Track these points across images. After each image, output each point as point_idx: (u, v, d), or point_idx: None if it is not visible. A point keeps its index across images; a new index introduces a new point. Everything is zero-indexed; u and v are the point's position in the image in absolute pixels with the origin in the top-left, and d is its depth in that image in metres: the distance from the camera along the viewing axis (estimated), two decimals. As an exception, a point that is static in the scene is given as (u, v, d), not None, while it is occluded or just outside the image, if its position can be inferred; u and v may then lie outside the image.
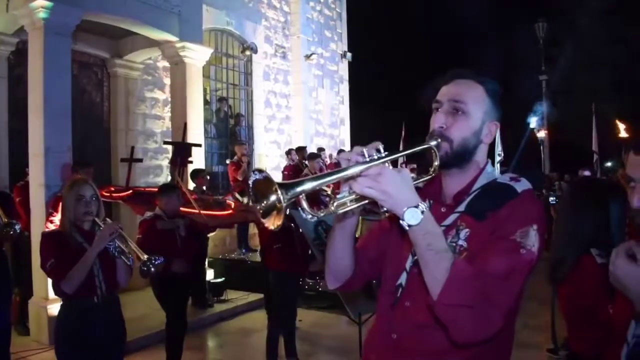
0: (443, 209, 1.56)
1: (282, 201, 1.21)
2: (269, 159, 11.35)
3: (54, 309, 5.34)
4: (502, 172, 1.61)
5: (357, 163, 1.34)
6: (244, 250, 8.82)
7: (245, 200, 7.75)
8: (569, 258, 2.16)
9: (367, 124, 16.03)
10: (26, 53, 6.03)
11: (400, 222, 1.30)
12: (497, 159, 11.15)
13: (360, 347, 4.35)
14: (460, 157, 1.53)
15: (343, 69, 14.35)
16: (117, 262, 2.98)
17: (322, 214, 1.36)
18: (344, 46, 14.42)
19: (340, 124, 14.11)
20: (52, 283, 2.91)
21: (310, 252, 4.76)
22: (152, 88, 8.94)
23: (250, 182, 1.28)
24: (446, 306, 1.27)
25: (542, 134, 19.20)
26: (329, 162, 10.69)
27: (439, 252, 1.29)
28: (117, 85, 8.43)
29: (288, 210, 1.23)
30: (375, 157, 1.34)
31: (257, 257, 8.32)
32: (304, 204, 1.32)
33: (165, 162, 8.86)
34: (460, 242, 1.46)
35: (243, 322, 6.76)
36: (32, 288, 5.66)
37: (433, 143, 1.49)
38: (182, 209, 4.83)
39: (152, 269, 2.89)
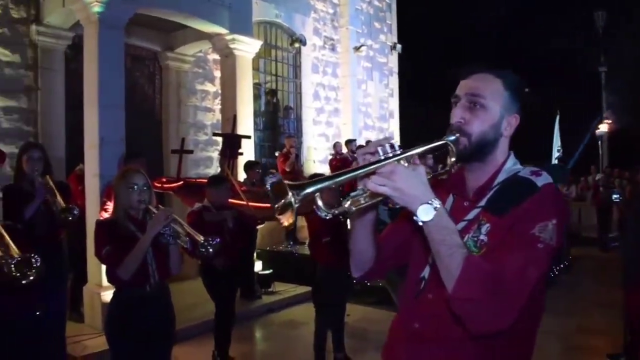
0: (466, 204, 1.58)
1: (295, 202, 1.29)
2: (317, 151, 11.32)
3: (108, 295, 5.43)
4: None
5: (371, 162, 1.37)
6: (291, 243, 8.83)
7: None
8: None
9: (416, 116, 15.78)
10: (81, 47, 6.16)
11: (414, 218, 1.34)
12: (556, 154, 10.79)
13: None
14: (479, 151, 1.54)
15: (392, 61, 14.15)
16: (170, 250, 2.98)
17: (336, 211, 1.39)
18: (393, 38, 14.21)
19: (390, 116, 13.93)
20: (106, 270, 2.94)
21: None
22: (203, 81, 9.04)
23: (267, 185, 1.35)
24: (459, 300, 1.31)
25: (603, 128, 18.43)
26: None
27: (452, 247, 1.32)
28: (168, 78, 8.57)
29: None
30: (390, 155, 1.38)
31: (304, 250, 8.32)
32: (319, 202, 1.36)
33: (215, 154, 8.96)
34: (482, 237, 1.47)
35: (290, 314, 6.76)
36: (86, 275, 5.80)
37: (451, 138, 1.50)
38: (230, 200, 4.83)
39: (211, 250, 2.88)
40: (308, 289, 7.05)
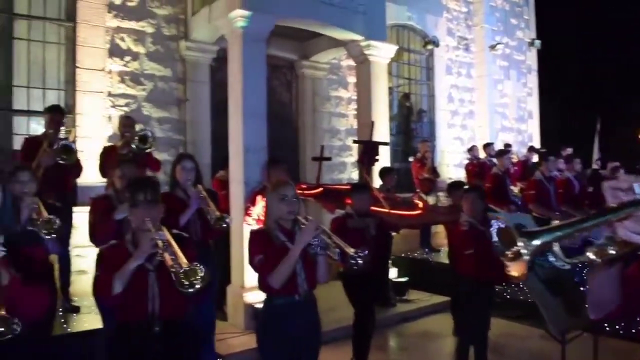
0: None
1: (526, 252, 1.14)
2: (451, 155, 11.00)
3: (250, 296, 5.70)
4: None
5: (624, 203, 1.11)
6: (426, 250, 8.63)
7: (430, 199, 7.58)
8: None
9: (558, 117, 14.75)
10: (225, 60, 6.49)
11: None
12: None
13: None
14: None
15: (531, 58, 13.37)
16: (319, 260, 3.00)
17: (575, 260, 1.20)
18: (531, 33, 13.42)
19: (528, 117, 13.16)
20: (259, 278, 3.02)
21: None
22: (337, 87, 9.16)
23: (493, 229, 1.20)
24: None
25: None
26: (516, 159, 10.01)
27: None
28: (304, 86, 8.79)
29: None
30: None
31: (440, 258, 8.09)
32: (556, 249, 1.18)
33: (349, 160, 9.03)
34: None
35: (427, 324, 6.56)
36: (229, 275, 6.07)
37: None
38: (371, 207, 4.80)
39: (360, 262, 2.85)
40: (444, 298, 6.85)
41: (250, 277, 5.67)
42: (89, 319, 5.00)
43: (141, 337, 2.64)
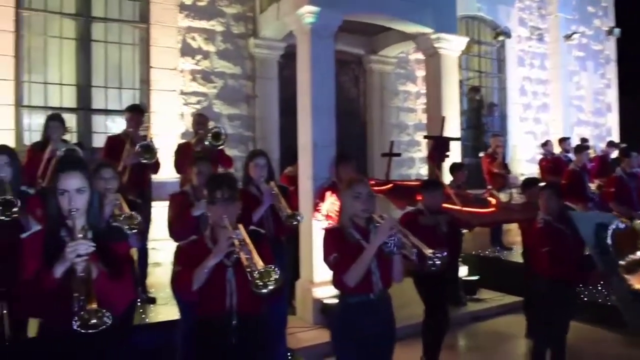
0: None
1: None
2: (524, 150, 10.62)
3: (319, 292, 5.73)
4: None
5: None
6: (497, 248, 8.38)
7: (502, 196, 7.34)
8: None
9: (639, 110, 13.93)
10: (293, 56, 6.51)
11: None
12: None
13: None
14: None
15: (609, 48, 12.69)
16: (394, 259, 2.97)
17: None
18: (610, 22, 12.74)
19: (607, 110, 12.52)
20: (333, 276, 3.02)
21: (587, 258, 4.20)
22: (405, 81, 9.04)
23: (609, 231, 1.11)
24: None
25: None
26: (593, 154, 9.55)
27: None
28: (372, 80, 8.73)
29: None
30: None
31: (512, 256, 7.84)
32: None
33: (417, 155, 8.91)
34: None
35: (498, 325, 6.37)
36: (299, 270, 6.11)
37: None
38: (443, 205, 4.71)
39: (438, 263, 2.79)
40: (516, 298, 6.65)
41: (319, 272, 5.71)
42: (165, 310, 5.17)
43: (219, 331, 2.70)
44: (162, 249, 6.14)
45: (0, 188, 3.42)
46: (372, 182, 6.37)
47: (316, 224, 5.63)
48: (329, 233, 3.11)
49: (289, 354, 4.78)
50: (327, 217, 5.54)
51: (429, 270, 2.77)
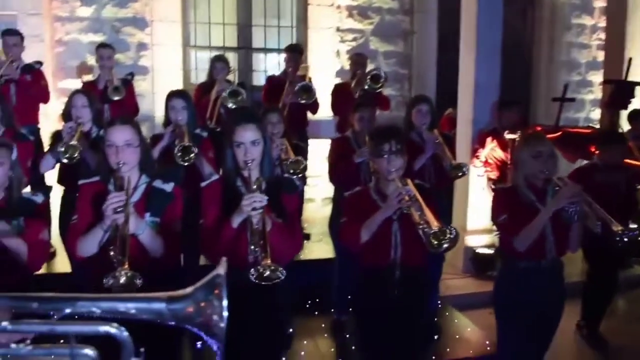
0: None
1: None
2: None
3: (471, 240, 5.59)
4: None
5: None
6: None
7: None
8: None
9: None
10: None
11: None
12: None
13: None
14: None
15: None
16: (572, 226, 2.75)
17: None
18: None
19: None
20: (500, 238, 2.89)
21: None
22: (579, 13, 8.06)
23: None
24: None
25: None
26: None
27: None
28: (541, 13, 7.93)
29: None
30: None
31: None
32: None
33: (588, 97, 8.08)
34: None
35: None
36: (451, 216, 5.93)
37: None
38: (625, 160, 4.23)
39: (626, 240, 2.54)
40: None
41: (473, 220, 5.56)
42: (318, 247, 5.34)
43: (383, 282, 2.72)
44: (314, 185, 6.33)
45: (179, 132, 3.62)
46: (538, 128, 5.91)
47: (473, 171, 5.39)
48: (501, 193, 2.98)
49: (438, 302, 4.76)
50: (486, 163, 5.30)
51: (615, 246, 2.51)
